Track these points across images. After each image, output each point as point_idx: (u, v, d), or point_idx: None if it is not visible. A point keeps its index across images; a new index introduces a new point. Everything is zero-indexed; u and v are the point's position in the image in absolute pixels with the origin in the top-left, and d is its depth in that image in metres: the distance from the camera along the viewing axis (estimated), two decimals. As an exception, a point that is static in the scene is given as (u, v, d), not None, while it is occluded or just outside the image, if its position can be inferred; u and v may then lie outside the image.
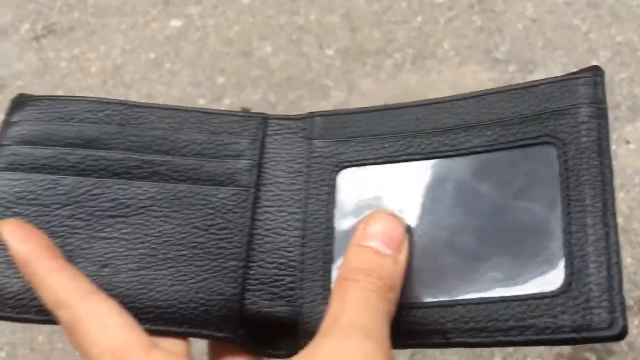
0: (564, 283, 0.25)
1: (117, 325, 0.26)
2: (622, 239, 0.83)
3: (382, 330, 0.26)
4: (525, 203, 0.27)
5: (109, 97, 1.02)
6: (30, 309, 0.30)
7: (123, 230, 0.31)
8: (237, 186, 0.31)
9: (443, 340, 0.27)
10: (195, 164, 0.32)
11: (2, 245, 0.30)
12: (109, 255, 0.30)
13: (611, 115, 0.94)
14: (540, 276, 0.26)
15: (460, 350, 0.77)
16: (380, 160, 0.31)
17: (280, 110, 0.99)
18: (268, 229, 0.31)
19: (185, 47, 1.08)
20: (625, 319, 0.24)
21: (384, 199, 0.30)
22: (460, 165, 0.29)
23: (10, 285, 0.30)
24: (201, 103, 1.02)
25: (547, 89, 0.29)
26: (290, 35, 1.08)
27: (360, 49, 1.06)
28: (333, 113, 0.33)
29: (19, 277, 0.30)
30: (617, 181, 0.88)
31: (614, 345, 0.76)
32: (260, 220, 0.31)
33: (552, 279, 0.26)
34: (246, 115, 0.33)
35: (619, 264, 0.25)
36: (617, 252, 0.25)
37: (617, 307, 0.24)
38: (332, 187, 0.31)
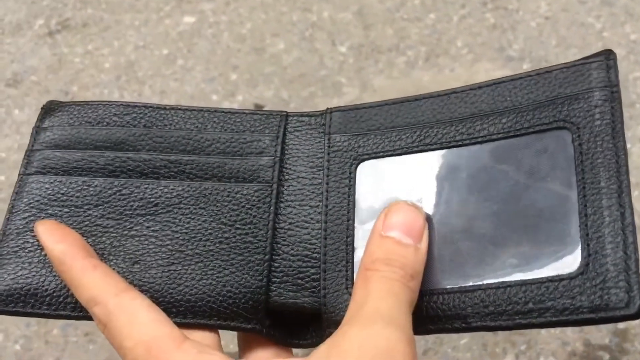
0: (581, 265, 0.26)
1: (149, 319, 0.27)
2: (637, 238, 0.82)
3: (404, 318, 0.26)
4: (541, 187, 0.28)
5: (123, 92, 1.03)
6: (66, 305, 0.31)
7: (152, 228, 0.31)
8: (260, 182, 0.32)
9: (464, 325, 0.27)
10: (219, 162, 0.33)
11: (37, 245, 0.31)
12: (139, 253, 0.31)
13: (626, 114, 0.94)
14: (557, 259, 0.26)
15: (473, 347, 0.77)
16: (398, 152, 0.31)
17: (294, 106, 0.99)
18: (291, 223, 0.32)
19: (198, 43, 1.09)
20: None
21: (402, 189, 0.31)
22: (477, 153, 0.30)
23: (46, 283, 0.31)
24: (214, 99, 1.02)
25: (560, 74, 0.29)
26: (303, 32, 1.08)
27: (373, 46, 1.06)
28: (350, 108, 0.34)
29: (54, 276, 0.31)
30: (632, 179, 0.88)
31: (628, 344, 0.76)
32: (283, 214, 0.32)
33: (569, 262, 0.26)
34: (267, 113, 0.34)
35: (635, 243, 0.25)
36: (633, 232, 0.26)
37: (634, 286, 0.25)
38: (351, 179, 0.32)
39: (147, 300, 0.28)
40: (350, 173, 0.32)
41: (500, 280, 0.27)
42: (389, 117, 0.33)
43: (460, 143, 0.30)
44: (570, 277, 0.26)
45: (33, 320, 0.83)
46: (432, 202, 0.30)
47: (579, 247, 0.26)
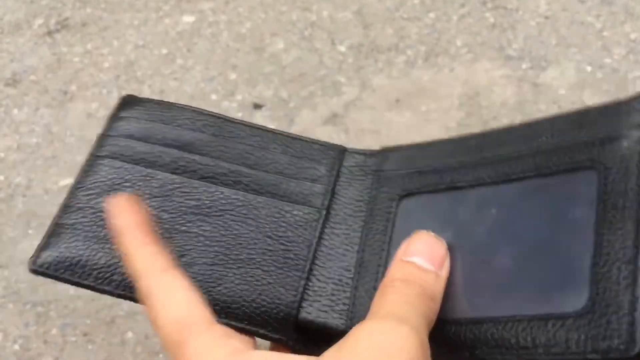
0: (587, 303, 0.26)
1: (185, 299, 0.28)
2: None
3: (419, 323, 0.26)
4: (562, 225, 0.28)
5: (122, 92, 1.03)
6: (111, 282, 0.32)
7: (203, 228, 0.33)
8: (310, 206, 0.35)
9: (471, 357, 0.27)
10: (276, 180, 0.35)
11: (95, 221, 0.33)
12: (187, 248, 0.33)
13: (625, 113, 0.94)
14: (566, 296, 0.26)
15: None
16: (440, 188, 0.33)
17: (293, 106, 0.99)
18: (331, 248, 0.34)
19: (197, 42, 1.09)
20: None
21: (437, 223, 0.31)
22: (507, 191, 0.31)
23: (96, 258, 0.33)
24: (214, 99, 1.02)
25: (597, 114, 0.30)
26: (302, 31, 1.08)
27: (372, 46, 1.06)
28: (403, 148, 0.36)
29: (105, 252, 0.33)
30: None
31: (627, 344, 0.76)
32: (326, 239, 0.34)
33: (577, 299, 0.26)
34: (327, 145, 0.37)
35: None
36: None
37: (637, 328, 0.24)
38: (393, 214, 0.33)
39: (187, 282, 0.29)
40: (392, 208, 0.34)
41: (510, 313, 0.27)
42: (437, 157, 0.34)
43: (494, 180, 0.31)
44: (577, 315, 0.26)
45: (32, 320, 0.83)
46: (459, 235, 0.31)
47: (588, 285, 0.26)
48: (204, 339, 0.27)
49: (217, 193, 0.34)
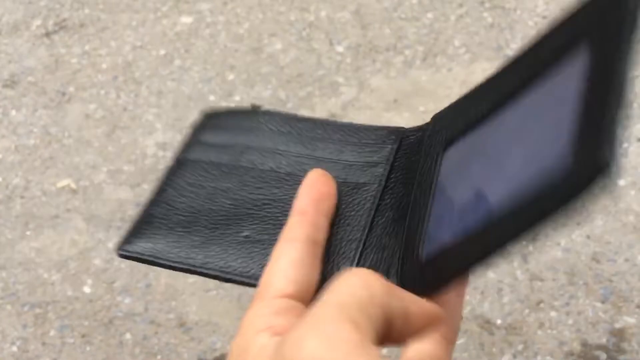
0: (570, 151, 0.26)
1: (280, 268, 0.30)
2: (634, 237, 0.82)
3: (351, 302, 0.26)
4: (555, 99, 0.28)
5: (120, 93, 1.03)
6: (182, 263, 0.36)
7: (268, 210, 0.38)
8: (369, 187, 0.38)
9: (483, 249, 0.28)
10: (338, 168, 0.39)
11: (175, 216, 0.37)
12: (252, 227, 0.37)
13: (623, 113, 0.94)
14: (551, 148, 0.27)
15: (470, 347, 0.77)
16: (467, 126, 0.34)
17: (291, 106, 0.99)
18: (386, 219, 0.37)
19: (195, 43, 1.09)
20: (613, 158, 0.24)
21: (461, 166, 0.33)
22: (520, 99, 0.31)
23: (174, 246, 0.37)
24: (212, 99, 1.02)
25: None
26: (300, 31, 1.08)
27: (370, 46, 1.06)
28: (450, 105, 0.37)
29: (181, 242, 0.37)
30: (628, 179, 0.88)
31: (625, 344, 0.76)
32: (381, 211, 0.37)
33: (561, 150, 0.26)
34: (389, 129, 0.40)
35: (620, 120, 0.25)
36: (620, 113, 0.26)
37: (607, 149, 0.25)
38: (436, 170, 0.35)
39: (303, 256, 0.31)
40: (436, 164, 0.35)
41: (507, 185, 0.28)
42: (469, 100, 0.35)
43: (512, 99, 0.32)
44: (561, 165, 0.26)
45: (30, 321, 0.83)
46: (476, 161, 0.32)
47: (570, 135, 0.27)
48: (258, 310, 0.28)
49: (282, 181, 0.38)
